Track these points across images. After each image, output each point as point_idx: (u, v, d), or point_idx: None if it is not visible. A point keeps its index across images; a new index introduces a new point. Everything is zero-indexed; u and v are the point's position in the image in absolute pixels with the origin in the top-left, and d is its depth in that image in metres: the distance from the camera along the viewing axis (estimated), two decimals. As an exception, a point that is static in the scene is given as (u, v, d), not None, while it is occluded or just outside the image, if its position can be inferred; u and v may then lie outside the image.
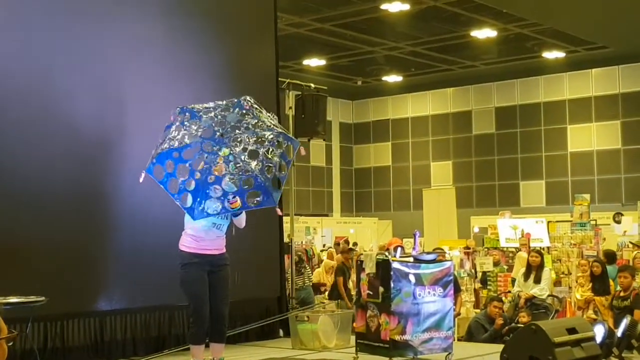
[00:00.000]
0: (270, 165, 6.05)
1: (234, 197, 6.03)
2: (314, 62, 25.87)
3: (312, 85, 10.53)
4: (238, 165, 5.98)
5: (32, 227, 7.03)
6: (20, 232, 6.95)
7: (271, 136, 6.08)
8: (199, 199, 5.94)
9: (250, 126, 6.04)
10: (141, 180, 5.97)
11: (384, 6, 20.12)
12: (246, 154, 5.98)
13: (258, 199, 6.12)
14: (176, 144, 5.90)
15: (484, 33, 22.81)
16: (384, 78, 28.90)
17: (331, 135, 30.79)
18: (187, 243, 6.23)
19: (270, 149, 6.06)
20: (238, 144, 5.98)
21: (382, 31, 22.81)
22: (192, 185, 5.97)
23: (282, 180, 6.23)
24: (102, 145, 7.59)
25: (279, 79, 9.67)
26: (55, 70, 7.35)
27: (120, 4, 7.92)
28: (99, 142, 7.57)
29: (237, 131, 6.00)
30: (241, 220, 6.28)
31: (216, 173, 5.98)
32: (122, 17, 7.88)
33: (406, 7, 20.16)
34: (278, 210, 6.72)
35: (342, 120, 32.40)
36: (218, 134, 6.01)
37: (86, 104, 7.49)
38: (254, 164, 5.99)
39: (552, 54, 25.42)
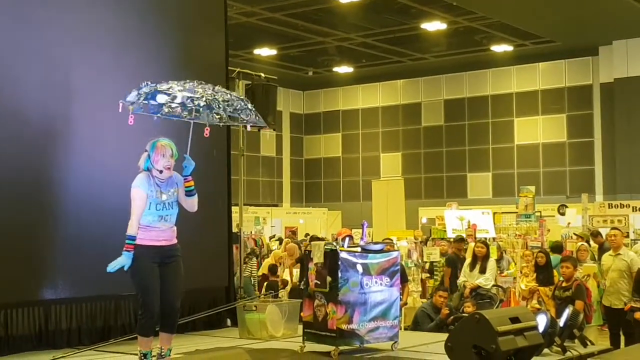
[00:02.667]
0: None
1: (189, 174, 6.06)
2: (265, 51, 25.78)
3: (263, 75, 10.47)
4: (224, 96, 6.37)
5: (-25, 215, 6.91)
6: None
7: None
8: None
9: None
10: (131, 122, 5.99)
11: (335, -4, 20.19)
12: (226, 92, 6.53)
13: (249, 118, 6.54)
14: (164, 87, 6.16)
15: (434, 25, 23.00)
16: (335, 69, 28.95)
17: (282, 126, 30.76)
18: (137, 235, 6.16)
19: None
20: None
21: (334, 22, 22.85)
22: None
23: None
24: (47, 133, 7.48)
25: (229, 68, 9.63)
26: (1, 57, 7.20)
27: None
28: (44, 130, 7.46)
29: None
30: (193, 203, 6.17)
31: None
32: (70, 5, 7.77)
33: (357, -2, 20.25)
34: (268, 129, 7.08)
35: (292, 110, 32.38)
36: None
37: (32, 92, 7.37)
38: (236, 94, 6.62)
39: (500, 48, 25.76)
